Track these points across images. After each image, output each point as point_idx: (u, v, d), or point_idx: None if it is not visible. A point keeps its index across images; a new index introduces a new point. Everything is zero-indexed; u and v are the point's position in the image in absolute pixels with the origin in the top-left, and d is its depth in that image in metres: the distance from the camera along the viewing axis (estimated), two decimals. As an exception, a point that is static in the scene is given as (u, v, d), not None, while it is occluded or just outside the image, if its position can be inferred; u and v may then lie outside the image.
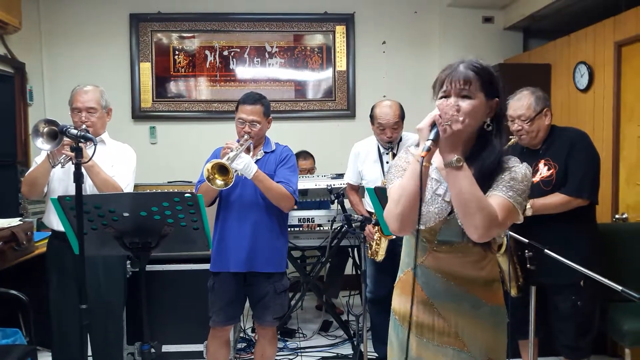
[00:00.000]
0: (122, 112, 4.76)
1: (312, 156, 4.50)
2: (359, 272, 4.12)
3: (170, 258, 3.31)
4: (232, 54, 4.98)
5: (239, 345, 3.68)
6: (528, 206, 2.44)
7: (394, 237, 2.83)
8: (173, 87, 4.96)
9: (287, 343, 3.82)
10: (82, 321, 1.94)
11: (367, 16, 5.04)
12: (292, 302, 4.02)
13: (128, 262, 2.87)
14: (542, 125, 2.57)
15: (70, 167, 2.14)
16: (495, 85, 1.49)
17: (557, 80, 4.18)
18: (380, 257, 3.04)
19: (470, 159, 1.47)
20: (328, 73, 5.04)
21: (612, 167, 3.51)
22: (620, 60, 3.47)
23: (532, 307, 2.34)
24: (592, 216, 2.66)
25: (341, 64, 5.04)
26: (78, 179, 1.95)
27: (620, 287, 1.81)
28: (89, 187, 2.49)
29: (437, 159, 1.47)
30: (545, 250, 2.18)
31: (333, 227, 3.62)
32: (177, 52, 4.95)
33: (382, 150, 3.20)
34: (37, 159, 2.60)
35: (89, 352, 2.53)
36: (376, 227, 2.96)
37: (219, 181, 2.36)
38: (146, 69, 4.92)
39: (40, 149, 2.27)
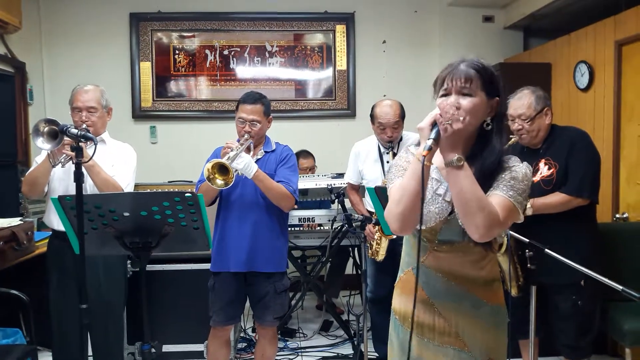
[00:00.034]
0: (122, 111, 4.76)
1: (312, 155, 4.50)
2: (359, 271, 4.12)
3: (170, 258, 3.31)
4: (232, 53, 4.98)
5: (240, 345, 3.68)
6: (528, 205, 2.44)
7: (394, 236, 2.83)
8: (173, 86, 4.96)
9: (288, 343, 3.82)
10: (82, 321, 1.94)
11: (367, 15, 5.04)
12: (293, 302, 4.02)
13: (128, 261, 2.87)
14: (542, 124, 2.57)
15: (71, 166, 2.14)
16: (495, 84, 1.49)
17: (558, 80, 4.18)
18: (380, 256, 3.04)
19: (471, 159, 1.47)
20: (328, 72, 5.04)
21: (613, 166, 3.51)
22: (620, 60, 3.47)
23: (532, 307, 2.34)
24: (592, 216, 2.66)
25: (341, 63, 5.04)
26: (78, 178, 1.95)
27: (621, 287, 1.81)
28: (89, 187, 2.49)
29: (437, 159, 1.46)
30: (546, 250, 2.17)
31: (333, 227, 3.62)
32: (177, 52, 4.95)
33: (382, 149, 3.20)
34: (38, 159, 2.60)
35: (89, 352, 2.53)
36: (376, 226, 2.96)
37: (219, 181, 2.36)
38: (146, 69, 4.92)
39: (41, 148, 2.27)
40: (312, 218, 3.78)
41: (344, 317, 4.10)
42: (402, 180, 1.47)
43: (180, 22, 4.93)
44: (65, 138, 2.15)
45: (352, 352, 3.49)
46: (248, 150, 2.59)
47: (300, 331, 4.04)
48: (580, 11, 4.17)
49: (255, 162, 2.56)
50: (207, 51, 4.96)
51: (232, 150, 2.44)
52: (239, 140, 2.59)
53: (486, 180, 1.46)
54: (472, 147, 1.50)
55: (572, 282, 2.48)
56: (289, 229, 3.26)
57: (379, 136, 3.18)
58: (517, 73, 4.23)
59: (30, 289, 2.82)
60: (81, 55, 4.84)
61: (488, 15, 4.98)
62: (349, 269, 4.42)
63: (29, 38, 4.59)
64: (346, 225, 3.16)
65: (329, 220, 3.67)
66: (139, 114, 4.93)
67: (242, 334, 3.77)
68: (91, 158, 2.13)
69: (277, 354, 3.19)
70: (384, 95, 4.09)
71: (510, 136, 2.62)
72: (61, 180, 2.58)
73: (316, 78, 5.04)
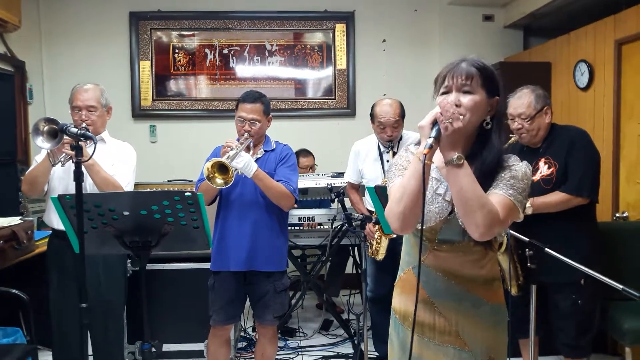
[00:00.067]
0: (122, 110, 4.75)
1: (312, 154, 4.50)
2: (359, 271, 4.12)
3: (170, 257, 3.31)
4: (232, 52, 4.97)
5: (240, 345, 3.68)
6: (528, 205, 2.43)
7: (394, 236, 2.84)
8: (173, 85, 4.96)
9: (288, 342, 3.82)
10: (82, 320, 1.93)
11: (367, 14, 5.04)
12: (293, 301, 4.02)
13: (128, 261, 2.87)
14: (542, 123, 2.57)
15: (71, 165, 2.14)
16: (495, 83, 1.49)
17: (558, 79, 4.17)
18: (380, 256, 3.04)
19: (471, 158, 1.47)
20: (328, 71, 5.04)
21: (613, 165, 3.50)
22: (620, 59, 3.47)
23: (532, 306, 2.33)
24: (592, 215, 2.66)
25: (341, 62, 5.04)
26: (78, 177, 1.95)
27: (621, 286, 1.81)
28: (89, 186, 2.49)
29: (436, 158, 1.46)
30: (546, 249, 2.17)
31: (333, 226, 3.62)
32: (177, 51, 4.94)
33: (382, 148, 3.20)
34: (37, 158, 2.60)
35: (90, 351, 2.53)
36: (376, 225, 2.97)
37: (219, 180, 2.36)
38: (146, 68, 4.92)
39: (41, 147, 2.27)
40: (312, 217, 3.78)
41: (344, 316, 4.09)
42: (403, 180, 1.47)
43: (180, 21, 4.92)
44: (65, 137, 2.15)
45: (352, 351, 3.49)
46: (248, 149, 2.58)
47: (301, 330, 4.04)
48: (580, 10, 4.17)
49: (255, 161, 2.55)
50: (207, 50, 4.96)
51: (231, 150, 2.44)
52: (238, 140, 2.59)
53: (486, 179, 1.46)
54: (472, 146, 1.50)
55: (572, 281, 2.48)
56: (289, 228, 3.25)
57: (378, 135, 3.18)
58: (517, 72, 4.23)
59: (30, 288, 2.82)
60: (81, 54, 4.83)
61: (488, 14, 4.98)
62: (349, 268, 4.42)
63: (29, 37, 4.59)
64: (346, 225, 3.17)
65: (329, 220, 3.67)
66: (139, 113, 4.93)
67: (242, 333, 3.77)
68: (91, 157, 2.13)
69: (277, 353, 3.20)
70: (384, 95, 4.09)
71: (510, 135, 2.62)
72: (61, 179, 2.58)
73: (316, 77, 5.04)
